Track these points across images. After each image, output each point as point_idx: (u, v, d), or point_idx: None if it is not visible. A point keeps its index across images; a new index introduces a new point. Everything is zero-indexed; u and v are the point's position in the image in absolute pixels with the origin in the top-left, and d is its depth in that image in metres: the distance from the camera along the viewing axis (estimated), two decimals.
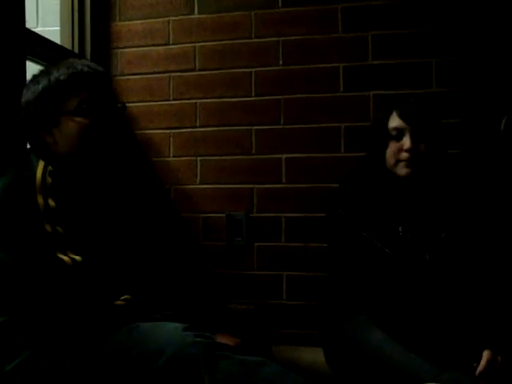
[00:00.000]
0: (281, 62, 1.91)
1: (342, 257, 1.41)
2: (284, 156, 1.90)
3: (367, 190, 1.41)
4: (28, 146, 1.23)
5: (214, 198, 1.95)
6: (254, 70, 1.92)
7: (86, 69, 1.18)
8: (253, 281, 1.90)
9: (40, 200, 1.09)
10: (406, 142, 1.35)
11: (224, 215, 1.93)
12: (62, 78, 1.15)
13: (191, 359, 0.96)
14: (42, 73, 1.20)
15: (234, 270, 1.92)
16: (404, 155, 1.36)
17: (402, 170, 1.37)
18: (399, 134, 1.37)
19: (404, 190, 1.40)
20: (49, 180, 1.12)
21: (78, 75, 1.16)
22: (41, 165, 1.14)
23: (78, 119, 1.15)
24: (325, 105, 1.87)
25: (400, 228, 1.37)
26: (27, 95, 1.18)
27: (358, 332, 1.32)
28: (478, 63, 1.75)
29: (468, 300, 1.30)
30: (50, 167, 1.14)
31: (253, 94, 1.93)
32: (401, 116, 1.37)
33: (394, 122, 1.38)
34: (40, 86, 1.16)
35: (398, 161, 1.38)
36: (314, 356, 1.60)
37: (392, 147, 1.38)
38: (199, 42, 1.96)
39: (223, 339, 1.14)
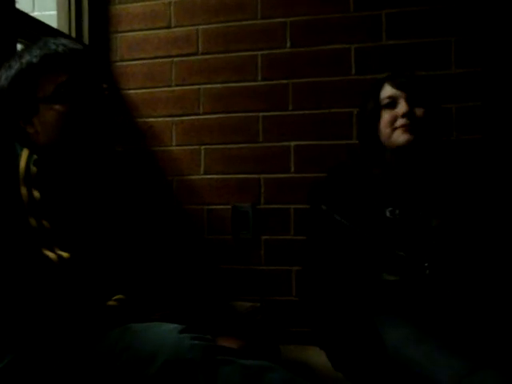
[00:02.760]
0: (288, 44, 1.80)
1: (325, 253, 1.31)
2: (293, 144, 1.79)
3: (358, 176, 1.34)
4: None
5: (219, 189, 1.85)
6: (260, 53, 1.82)
7: (61, 48, 1.06)
8: (260, 276, 1.81)
9: (23, 191, 1.00)
10: (402, 106, 1.29)
11: (230, 207, 1.83)
12: (34, 60, 1.04)
13: (188, 364, 0.87)
14: (15, 56, 1.09)
15: (240, 264, 1.82)
16: (400, 121, 1.29)
17: (400, 138, 1.29)
18: (393, 102, 1.32)
19: (402, 162, 1.32)
20: (33, 170, 1.03)
21: (52, 56, 1.05)
22: (25, 154, 1.05)
23: (56, 106, 1.04)
24: (336, 89, 1.76)
25: (397, 211, 1.28)
26: (1, 82, 1.07)
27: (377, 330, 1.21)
28: (501, 40, 1.62)
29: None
30: (34, 156, 1.05)
31: (259, 78, 1.82)
32: (393, 85, 1.32)
33: (387, 91, 1.33)
34: (12, 71, 1.05)
35: (394, 129, 1.31)
36: (323, 356, 1.51)
37: (386, 116, 1.32)
38: (202, 24, 1.86)
39: (226, 342, 1.05)
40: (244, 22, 1.83)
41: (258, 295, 1.78)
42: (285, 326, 1.77)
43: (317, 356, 1.52)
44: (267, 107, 1.81)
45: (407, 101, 1.29)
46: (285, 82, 1.80)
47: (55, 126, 1.05)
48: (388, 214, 1.28)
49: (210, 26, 1.86)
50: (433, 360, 1.07)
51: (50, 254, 0.98)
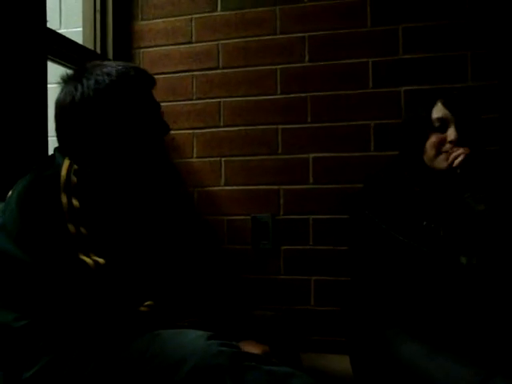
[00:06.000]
0: (307, 59, 1.84)
1: (369, 261, 1.33)
2: (311, 155, 1.83)
3: (398, 188, 1.33)
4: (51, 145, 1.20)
5: (239, 200, 1.89)
6: (279, 67, 1.86)
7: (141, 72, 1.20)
8: (279, 286, 1.84)
9: (64, 199, 1.04)
10: (451, 133, 1.28)
11: (249, 217, 1.87)
12: (131, 73, 1.15)
13: (216, 370, 0.90)
14: (92, 67, 1.15)
15: (259, 274, 1.86)
16: (447, 147, 1.29)
17: (443, 163, 1.30)
18: (443, 125, 1.30)
19: (442, 185, 1.31)
20: (74, 179, 1.07)
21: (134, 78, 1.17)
22: (66, 163, 1.09)
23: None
24: (353, 102, 1.80)
25: (432, 225, 1.28)
26: (82, 89, 1.11)
27: (389, 345, 1.23)
28: None
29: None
30: (75, 166, 1.09)
31: (278, 91, 1.86)
32: (445, 105, 1.30)
33: (439, 112, 1.31)
34: (107, 79, 1.12)
35: (439, 153, 1.30)
36: (343, 364, 1.53)
37: (434, 139, 1.31)
38: (222, 39, 1.92)
39: (250, 347, 1.07)
40: (263, 37, 1.88)
41: (278, 304, 1.81)
42: (304, 335, 1.79)
43: (335, 363, 1.55)
44: (286, 120, 1.85)
45: (457, 127, 1.29)
46: (303, 95, 1.84)
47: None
48: (432, 228, 1.26)
49: (231, 41, 1.91)
50: (446, 372, 1.09)
51: (87, 260, 1.01)
